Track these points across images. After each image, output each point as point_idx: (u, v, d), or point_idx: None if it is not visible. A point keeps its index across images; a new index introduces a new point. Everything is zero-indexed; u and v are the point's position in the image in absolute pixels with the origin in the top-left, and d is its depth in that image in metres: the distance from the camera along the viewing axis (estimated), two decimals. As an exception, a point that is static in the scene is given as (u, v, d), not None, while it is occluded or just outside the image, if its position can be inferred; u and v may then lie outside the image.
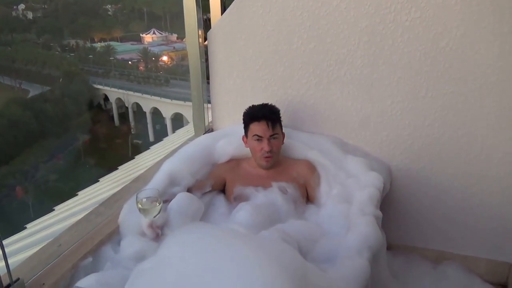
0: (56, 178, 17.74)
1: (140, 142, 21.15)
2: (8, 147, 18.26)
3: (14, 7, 29.26)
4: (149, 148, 5.23)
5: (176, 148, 2.27)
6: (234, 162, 2.07)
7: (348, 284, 1.40)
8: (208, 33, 2.32)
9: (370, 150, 2.19)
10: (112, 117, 23.34)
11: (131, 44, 29.45)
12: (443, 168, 2.10)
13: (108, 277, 1.42)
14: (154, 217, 1.56)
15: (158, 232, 1.58)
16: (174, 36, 31.02)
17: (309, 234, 1.71)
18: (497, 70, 1.87)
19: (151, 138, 21.21)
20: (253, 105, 1.99)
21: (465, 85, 1.94)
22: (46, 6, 31.42)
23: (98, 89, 23.95)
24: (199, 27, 2.33)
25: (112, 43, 28.96)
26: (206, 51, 2.37)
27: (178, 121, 20.31)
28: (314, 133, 2.21)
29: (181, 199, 1.75)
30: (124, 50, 27.88)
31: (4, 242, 1.21)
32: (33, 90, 23.64)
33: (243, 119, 2.00)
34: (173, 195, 1.79)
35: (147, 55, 26.83)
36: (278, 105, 2.01)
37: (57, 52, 28.28)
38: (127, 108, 22.77)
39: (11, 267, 1.26)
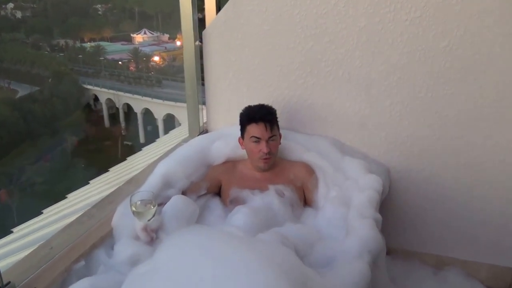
0: (43, 180, 17.51)
1: (130, 143, 21.01)
2: (-6, 148, 18.03)
3: (3, 6, 28.91)
4: (141, 149, 5.15)
5: (171, 149, 2.21)
6: (230, 164, 2.03)
7: (348, 290, 1.36)
8: (203, 32, 2.27)
9: (369, 152, 2.15)
10: (102, 117, 23.15)
11: (122, 44, 29.26)
12: (443, 170, 2.07)
13: (102, 282, 1.37)
14: (149, 220, 1.52)
15: (152, 236, 1.53)
16: (165, 36, 30.88)
17: (306, 237, 1.66)
18: (499, 70, 1.84)
19: (142, 140, 21.08)
20: (249, 106, 1.95)
21: (466, 86, 1.91)
22: (35, 6, 31.12)
23: (88, 89, 23.75)
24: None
25: (102, 43, 28.75)
26: (200, 51, 2.32)
27: (170, 122, 20.22)
28: (311, 135, 2.17)
29: (176, 202, 1.70)
30: (114, 50, 27.68)
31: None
32: (22, 90, 23.37)
33: (240, 120, 1.95)
34: (168, 198, 1.74)
35: (138, 55, 26.66)
36: (274, 106, 1.97)
37: (46, 52, 28.02)
38: (117, 108, 22.59)
39: (1, 270, 1.21)
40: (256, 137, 1.87)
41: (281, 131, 1.97)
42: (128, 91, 22.12)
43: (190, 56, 2.23)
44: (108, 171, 4.66)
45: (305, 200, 1.95)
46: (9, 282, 1.26)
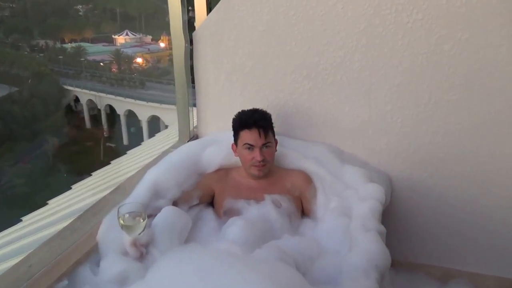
0: (22, 182, 17.06)
1: (113, 145, 20.70)
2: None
3: (-19, 6, 28.28)
4: (126, 153, 4.98)
5: (160, 155, 2.09)
6: (223, 171, 1.92)
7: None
8: (194, 33, 2.16)
9: (368, 159, 2.06)
10: (84, 119, 22.76)
11: (103, 46, 28.84)
12: (448, 178, 1.99)
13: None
14: (139, 234, 1.40)
15: (142, 251, 1.42)
16: (148, 38, 30.55)
17: (307, 251, 1.56)
18: (505, 75, 1.77)
19: (125, 142, 20.84)
20: (243, 111, 1.84)
21: (471, 92, 1.84)
22: (14, 6, 30.48)
23: (68, 90, 23.33)
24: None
25: (82, 44, 28.31)
26: (191, 53, 2.21)
27: (155, 124, 20.01)
28: (308, 141, 2.07)
29: (167, 213, 1.59)
30: (96, 51, 27.28)
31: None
32: (1, 91, 22.81)
33: (233, 126, 1.85)
34: (158, 209, 1.63)
35: (120, 57, 26.30)
36: (269, 111, 1.87)
37: (26, 52, 27.44)
38: (99, 110, 22.23)
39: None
40: (249, 144, 1.77)
41: (276, 136, 1.87)
42: (110, 93, 21.81)
43: (180, 58, 2.12)
44: (91, 175, 4.49)
45: (303, 210, 1.86)
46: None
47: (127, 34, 30.18)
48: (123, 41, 29.67)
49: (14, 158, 18.84)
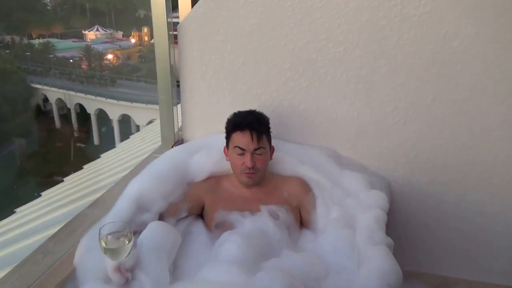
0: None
1: (84, 145, 20.13)
2: None
3: None
4: (99, 157, 4.70)
5: (141, 163, 1.90)
6: (213, 180, 1.74)
7: None
8: (178, 26, 1.96)
9: (368, 164, 1.92)
10: (53, 118, 22.03)
11: (73, 42, 28.00)
12: (450, 184, 1.88)
13: None
14: (124, 258, 1.20)
15: (128, 277, 1.22)
16: (119, 34, 29.84)
17: (311, 270, 1.42)
18: (517, 74, 1.65)
19: (96, 142, 20.32)
20: (239, 111, 1.68)
21: (479, 91, 1.71)
22: (-23, 0, 29.27)
23: (36, 88, 22.51)
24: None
25: (51, 40, 27.39)
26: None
27: (126, 123, 19.57)
28: (303, 144, 1.91)
29: (154, 230, 1.40)
30: (65, 47, 26.44)
31: None
32: (-37, 90, 21.84)
33: (226, 127, 1.68)
34: (143, 225, 1.43)
35: (90, 53, 25.57)
36: (262, 112, 1.70)
37: (-10, 49, 26.39)
38: (69, 109, 21.56)
39: None
40: (240, 148, 1.60)
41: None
42: (80, 91, 21.17)
43: (164, 54, 1.91)
44: (64, 181, 4.20)
45: (301, 221, 1.70)
46: None
47: (97, 30, 29.39)
48: (93, 37, 28.87)
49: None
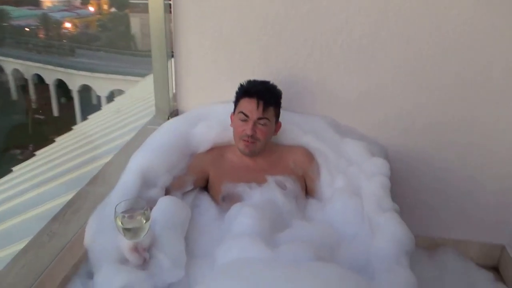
0: None
1: (42, 117, 19.38)
2: None
3: None
4: (71, 129, 4.50)
5: (137, 135, 1.82)
6: (216, 151, 1.70)
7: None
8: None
9: (366, 132, 1.92)
10: (9, 90, 21.00)
11: (28, 9, 26.45)
12: (444, 150, 1.92)
13: None
14: (142, 237, 1.16)
15: (145, 257, 1.18)
16: (77, 1, 28.41)
17: (325, 239, 1.41)
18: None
19: (56, 113, 19.58)
20: (253, 80, 1.64)
21: (479, 56, 1.74)
22: None
23: (-10, 59, 21.31)
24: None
25: (5, 7, 25.78)
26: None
27: (86, 93, 18.92)
28: (304, 114, 1.89)
29: (166, 205, 1.35)
30: (20, 15, 24.95)
31: None
32: None
33: (236, 92, 1.65)
34: (151, 201, 1.38)
35: (47, 22, 24.30)
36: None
37: None
38: (26, 80, 20.59)
39: None
40: (244, 114, 1.57)
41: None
42: (38, 61, 20.18)
43: (158, 19, 1.80)
44: (35, 155, 4.01)
45: (307, 190, 1.69)
46: None
47: (54, -3, 27.88)
48: (50, 4, 27.34)
49: None
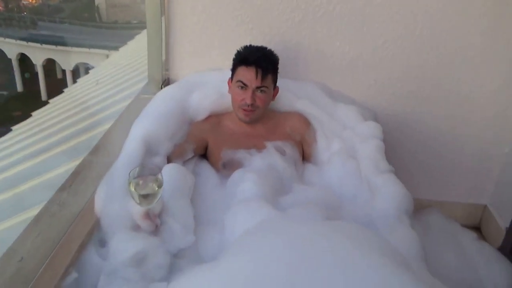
0: None
1: (5, 93, 18.66)
2: None
3: None
4: (48, 102, 4.36)
5: (131, 104, 1.80)
6: (214, 119, 1.70)
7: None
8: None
9: (356, 96, 1.95)
10: (-32, 66, 20.07)
11: (-17, -21, 25.04)
12: (430, 111, 1.98)
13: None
14: (155, 203, 1.16)
15: (157, 223, 1.19)
16: (37, -30, 27.04)
17: (327, 201, 1.45)
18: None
19: (20, 88, 18.88)
20: (250, 45, 1.63)
21: (465, 21, 1.78)
22: None
23: None
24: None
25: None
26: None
27: (51, 67, 18.28)
28: (297, 80, 1.90)
29: (171, 172, 1.35)
30: (-25, -15, 23.63)
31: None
32: None
33: (233, 58, 1.64)
34: (157, 169, 1.38)
35: (5, -8, 23.11)
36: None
37: None
38: (-15, 55, 19.68)
39: None
40: (243, 83, 1.57)
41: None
42: (-2, 35, 19.27)
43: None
44: (12, 130, 3.88)
45: (303, 155, 1.72)
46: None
47: (9, -35, 26.40)
48: (6, -26, 25.97)
49: None
